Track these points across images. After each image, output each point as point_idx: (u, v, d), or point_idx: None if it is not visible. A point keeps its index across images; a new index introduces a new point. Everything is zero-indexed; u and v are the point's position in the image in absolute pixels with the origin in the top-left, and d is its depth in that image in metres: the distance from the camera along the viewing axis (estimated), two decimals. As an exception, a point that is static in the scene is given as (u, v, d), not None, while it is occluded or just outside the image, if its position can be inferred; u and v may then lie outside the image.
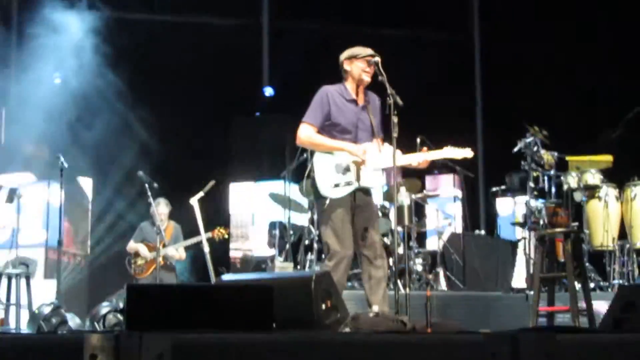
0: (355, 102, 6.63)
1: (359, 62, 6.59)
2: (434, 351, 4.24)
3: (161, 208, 10.65)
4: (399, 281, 7.08)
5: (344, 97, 6.59)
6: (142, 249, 10.62)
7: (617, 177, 10.08)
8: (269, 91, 13.30)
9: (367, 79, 6.58)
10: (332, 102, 6.52)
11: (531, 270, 9.55)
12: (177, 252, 10.54)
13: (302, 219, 10.84)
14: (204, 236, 9.39)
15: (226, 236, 10.37)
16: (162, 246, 10.26)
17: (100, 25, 12.01)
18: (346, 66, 6.66)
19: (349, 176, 6.37)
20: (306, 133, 6.42)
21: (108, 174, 12.35)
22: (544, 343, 4.21)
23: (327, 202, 6.29)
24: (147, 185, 9.47)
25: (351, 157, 6.39)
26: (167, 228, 10.70)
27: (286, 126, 12.30)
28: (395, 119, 6.22)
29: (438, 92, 12.76)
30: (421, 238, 10.59)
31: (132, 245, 10.73)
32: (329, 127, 6.49)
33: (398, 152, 6.36)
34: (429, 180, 11.58)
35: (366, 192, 6.51)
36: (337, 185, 6.32)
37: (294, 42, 13.66)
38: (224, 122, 13.06)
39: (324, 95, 6.56)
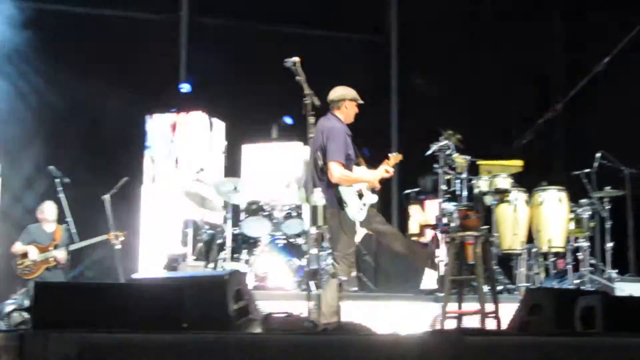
0: None
1: (355, 105, 7.82)
2: (344, 352, 4.26)
3: (49, 210, 10.58)
4: (311, 282, 7.10)
5: (347, 132, 7.67)
6: (32, 251, 10.49)
7: (527, 182, 10.28)
8: (185, 87, 13.18)
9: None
10: (347, 139, 7.60)
11: (442, 273, 9.68)
12: (63, 254, 10.48)
13: (215, 218, 10.78)
14: (97, 239, 9.35)
15: (123, 238, 10.28)
16: (53, 248, 10.18)
17: (16, 15, 11.74)
18: (347, 104, 7.73)
19: (363, 199, 7.61)
20: (340, 171, 7.42)
21: (17, 168, 12.06)
22: (454, 344, 4.26)
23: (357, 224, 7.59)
24: (58, 180, 9.30)
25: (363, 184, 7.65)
26: (56, 230, 10.63)
27: (203, 122, 12.31)
28: (311, 120, 6.24)
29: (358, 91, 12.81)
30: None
31: (20, 247, 10.59)
32: (345, 160, 7.53)
33: (364, 168, 7.75)
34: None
35: None
36: (361, 209, 7.55)
37: (212, 39, 13.57)
38: (139, 118, 12.89)
39: (343, 135, 7.58)
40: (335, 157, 7.37)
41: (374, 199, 7.90)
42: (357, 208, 7.50)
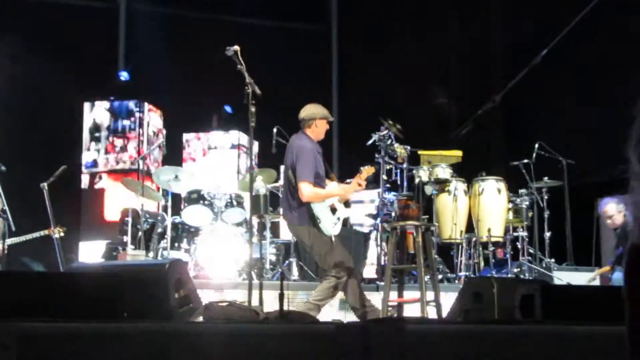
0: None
1: (325, 123, 7.82)
2: (286, 341, 4.25)
3: None
4: (252, 271, 7.10)
5: (317, 150, 7.70)
6: None
7: (466, 172, 10.37)
8: (124, 75, 13.04)
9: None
10: (316, 158, 7.61)
11: (382, 262, 9.73)
12: None
13: (155, 206, 10.70)
14: (36, 234, 9.21)
15: (62, 234, 10.12)
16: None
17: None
18: (317, 123, 7.71)
19: (336, 213, 7.64)
20: (309, 190, 7.40)
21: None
22: (395, 333, 4.28)
23: (333, 239, 7.58)
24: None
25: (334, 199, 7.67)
26: None
27: (142, 111, 12.18)
28: (252, 109, 6.22)
29: (295, 82, 12.80)
30: (275, 228, 10.61)
31: None
32: (315, 179, 7.52)
33: (335, 183, 7.76)
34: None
35: None
36: (335, 224, 7.60)
37: (151, 27, 13.44)
38: (77, 106, 12.72)
39: (313, 154, 7.59)
40: (304, 177, 7.43)
41: (347, 213, 8.12)
42: (331, 223, 7.58)
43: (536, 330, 4.78)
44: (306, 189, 7.41)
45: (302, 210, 7.50)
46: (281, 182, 9.33)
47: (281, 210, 8.33)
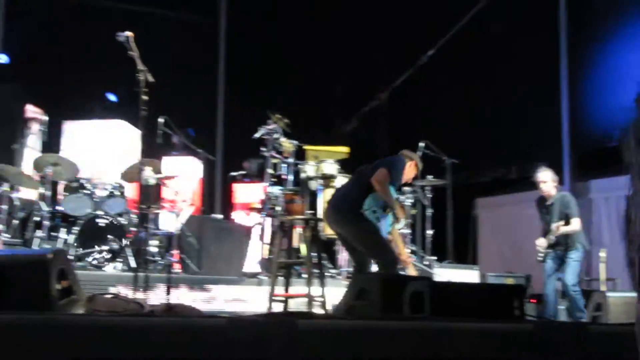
0: None
1: (415, 170, 8.19)
2: (174, 334, 4.15)
3: None
4: (133, 262, 6.95)
5: None
6: None
7: (352, 168, 10.40)
8: (3, 58, 12.58)
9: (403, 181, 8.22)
10: None
11: (264, 256, 9.68)
12: None
13: (31, 194, 10.35)
14: None
15: None
16: None
17: None
18: (408, 167, 8.06)
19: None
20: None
21: None
22: (285, 328, 4.23)
23: None
24: None
25: None
26: None
27: (19, 96, 11.77)
28: (145, 97, 6.07)
29: (183, 72, 12.62)
30: (157, 219, 10.42)
31: None
32: None
33: None
34: (168, 161, 11.37)
35: None
36: None
37: (32, 9, 13.03)
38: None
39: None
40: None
41: None
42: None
43: (425, 326, 4.82)
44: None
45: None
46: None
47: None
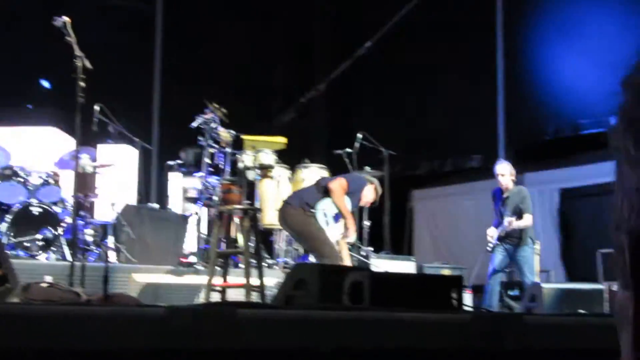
0: None
1: (374, 194, 8.52)
2: (110, 323, 4.10)
3: None
4: (67, 252, 6.85)
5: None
6: None
7: (289, 159, 10.41)
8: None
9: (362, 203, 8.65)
10: None
11: (201, 246, 9.63)
12: None
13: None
14: None
15: None
16: None
17: None
18: (368, 188, 8.42)
19: None
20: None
21: None
22: (225, 317, 4.22)
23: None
24: None
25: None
26: None
27: None
28: (82, 84, 5.97)
29: (118, 61, 12.44)
30: (93, 208, 10.28)
31: None
32: None
33: None
34: (103, 149, 11.21)
35: None
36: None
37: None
38: None
39: None
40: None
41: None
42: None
43: (364, 316, 4.83)
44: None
45: None
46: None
47: None
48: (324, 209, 8.12)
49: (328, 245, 7.95)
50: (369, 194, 8.43)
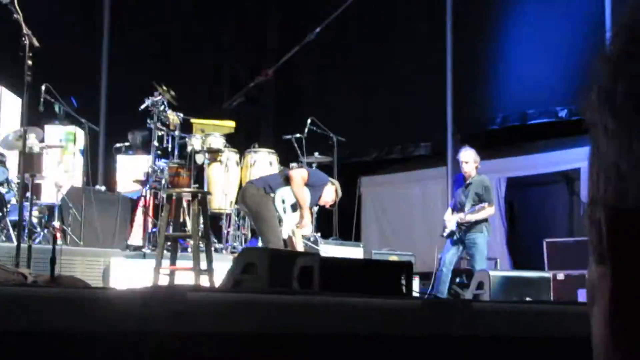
0: None
1: (334, 195, 8.74)
2: (58, 305, 4.06)
3: None
4: (13, 233, 6.75)
5: None
6: None
7: (238, 143, 10.37)
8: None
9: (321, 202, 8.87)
10: None
11: (149, 229, 9.55)
12: None
13: None
14: None
15: None
16: None
17: None
18: (328, 188, 8.64)
19: None
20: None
21: None
22: (174, 300, 4.19)
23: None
24: None
25: None
26: None
27: None
28: (29, 62, 5.86)
29: (64, 40, 12.24)
30: (38, 189, 10.13)
31: None
32: None
33: None
34: (49, 129, 11.03)
35: None
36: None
37: None
38: None
39: None
40: None
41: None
42: None
43: (313, 301, 4.83)
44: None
45: None
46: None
47: None
48: (283, 196, 8.33)
49: (275, 235, 8.16)
50: (329, 194, 8.65)
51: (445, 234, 9.69)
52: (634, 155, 0.55)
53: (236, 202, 9.33)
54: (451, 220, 9.66)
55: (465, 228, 9.56)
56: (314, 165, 10.61)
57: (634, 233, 0.54)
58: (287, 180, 8.40)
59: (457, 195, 9.84)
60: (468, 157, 9.79)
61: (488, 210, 9.57)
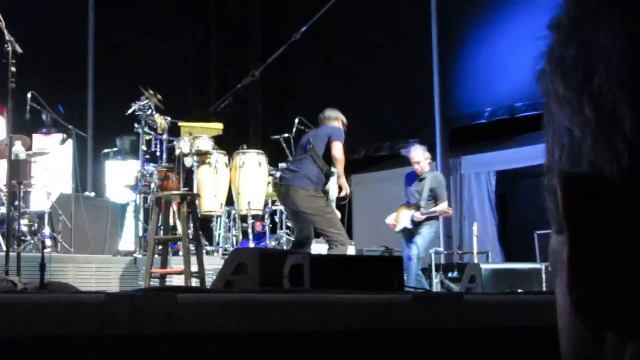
0: None
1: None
2: (48, 310, 4.04)
3: None
4: (2, 241, 6.73)
5: None
6: None
7: (226, 145, 10.36)
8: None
9: None
10: None
11: (140, 234, 9.54)
12: None
13: None
14: None
15: None
16: None
17: None
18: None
19: None
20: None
21: None
22: (165, 302, 4.18)
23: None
24: None
25: None
26: None
27: None
28: (13, 69, 5.84)
29: (51, 46, 12.22)
30: (28, 197, 10.10)
31: None
32: None
33: None
34: (37, 138, 11.03)
35: None
36: None
37: None
38: None
39: None
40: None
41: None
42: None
43: (304, 298, 4.83)
44: None
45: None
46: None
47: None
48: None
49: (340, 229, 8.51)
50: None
51: (397, 230, 9.74)
52: (585, 119, 0.54)
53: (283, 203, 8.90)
54: (405, 217, 9.68)
55: (418, 223, 9.60)
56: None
57: (588, 198, 0.54)
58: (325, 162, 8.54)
59: (410, 192, 9.84)
60: (419, 157, 9.77)
61: (441, 206, 9.59)
